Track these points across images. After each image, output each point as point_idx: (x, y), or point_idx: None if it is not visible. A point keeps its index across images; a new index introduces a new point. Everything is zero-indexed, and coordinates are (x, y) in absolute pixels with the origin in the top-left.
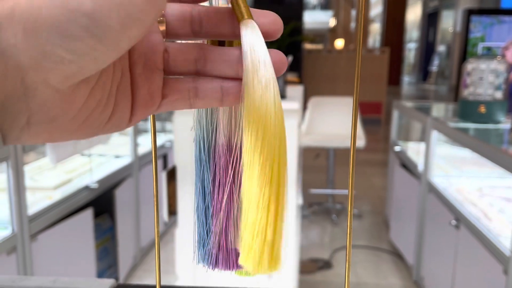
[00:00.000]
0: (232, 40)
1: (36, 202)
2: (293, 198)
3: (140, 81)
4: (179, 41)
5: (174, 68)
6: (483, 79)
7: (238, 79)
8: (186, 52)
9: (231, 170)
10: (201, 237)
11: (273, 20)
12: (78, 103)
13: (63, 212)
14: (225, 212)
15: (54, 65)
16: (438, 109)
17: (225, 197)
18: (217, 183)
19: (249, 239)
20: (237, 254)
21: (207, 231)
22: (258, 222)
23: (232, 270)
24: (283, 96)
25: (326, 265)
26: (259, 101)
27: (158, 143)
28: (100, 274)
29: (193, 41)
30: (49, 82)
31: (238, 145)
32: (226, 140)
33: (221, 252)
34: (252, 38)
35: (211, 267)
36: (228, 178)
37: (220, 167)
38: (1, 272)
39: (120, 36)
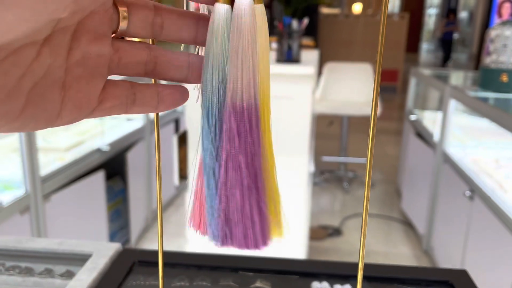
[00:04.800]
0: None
1: (48, 163)
2: (305, 165)
3: (79, 85)
4: (128, 39)
5: (124, 69)
6: (507, 46)
7: (173, 86)
8: (137, 54)
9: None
10: (211, 211)
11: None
12: None
13: (75, 173)
14: (236, 184)
15: None
16: (457, 77)
17: (233, 165)
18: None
19: (273, 208)
20: (245, 231)
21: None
22: (273, 190)
23: (243, 248)
24: (297, 60)
25: (336, 232)
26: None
27: None
28: (112, 236)
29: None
30: None
31: (249, 107)
32: (236, 101)
33: (229, 228)
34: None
35: (219, 244)
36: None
37: (231, 133)
38: (14, 231)
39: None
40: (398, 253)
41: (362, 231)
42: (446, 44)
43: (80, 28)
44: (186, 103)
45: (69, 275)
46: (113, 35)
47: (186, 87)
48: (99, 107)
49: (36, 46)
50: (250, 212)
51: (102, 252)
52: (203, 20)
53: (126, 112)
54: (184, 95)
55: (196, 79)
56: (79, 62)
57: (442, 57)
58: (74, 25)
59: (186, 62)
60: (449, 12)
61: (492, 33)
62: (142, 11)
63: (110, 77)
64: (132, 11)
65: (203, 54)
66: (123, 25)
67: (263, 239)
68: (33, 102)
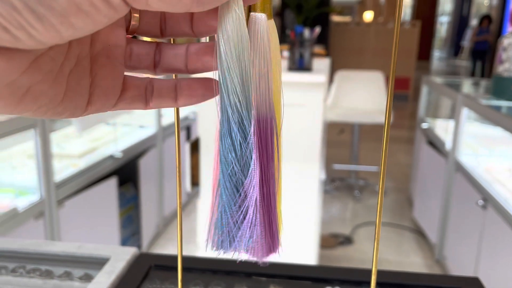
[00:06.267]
0: (192, 37)
1: (62, 169)
2: (316, 173)
3: (104, 72)
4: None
5: (136, 61)
6: None
7: (194, 78)
8: (147, 46)
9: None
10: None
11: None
12: (16, 67)
13: (89, 179)
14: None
15: None
16: (469, 86)
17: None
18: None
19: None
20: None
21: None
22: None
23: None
24: (308, 68)
25: (346, 240)
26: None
27: (182, 114)
28: (124, 241)
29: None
30: None
31: (265, 120)
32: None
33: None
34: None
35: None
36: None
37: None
38: (29, 236)
39: (63, 23)
40: (410, 262)
41: (376, 236)
42: (477, 55)
43: None
44: (198, 111)
45: (88, 278)
46: (127, 34)
47: (211, 78)
48: (121, 96)
49: None
50: (268, 223)
51: (120, 256)
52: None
53: (146, 105)
54: (207, 87)
55: (195, 67)
56: (101, 53)
57: (471, 70)
58: None
59: (185, 50)
60: (482, 18)
61: (505, 41)
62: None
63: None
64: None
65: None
66: (134, 23)
67: (274, 247)
68: (71, 87)
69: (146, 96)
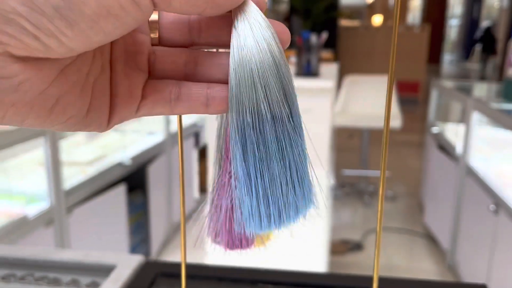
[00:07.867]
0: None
1: (72, 177)
2: (324, 178)
3: (120, 78)
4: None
5: (161, 71)
6: None
7: (226, 82)
8: (175, 54)
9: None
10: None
11: (282, 30)
12: (46, 77)
13: (98, 187)
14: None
15: (16, 33)
16: (480, 89)
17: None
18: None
19: None
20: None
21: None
22: None
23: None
24: (316, 74)
25: (357, 246)
26: None
27: (190, 121)
28: (133, 248)
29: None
30: (9, 51)
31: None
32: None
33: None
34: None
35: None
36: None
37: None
38: (39, 243)
39: (93, 27)
40: (421, 268)
41: (377, 242)
42: None
43: None
44: (205, 117)
45: (95, 285)
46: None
47: None
48: (142, 102)
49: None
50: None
51: (126, 263)
52: None
53: (171, 111)
54: None
55: None
56: (119, 59)
57: None
58: None
59: (227, 59)
60: None
61: None
62: (176, 14)
63: None
64: (165, 14)
65: None
66: (153, 35)
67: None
68: (96, 96)
69: (171, 101)
